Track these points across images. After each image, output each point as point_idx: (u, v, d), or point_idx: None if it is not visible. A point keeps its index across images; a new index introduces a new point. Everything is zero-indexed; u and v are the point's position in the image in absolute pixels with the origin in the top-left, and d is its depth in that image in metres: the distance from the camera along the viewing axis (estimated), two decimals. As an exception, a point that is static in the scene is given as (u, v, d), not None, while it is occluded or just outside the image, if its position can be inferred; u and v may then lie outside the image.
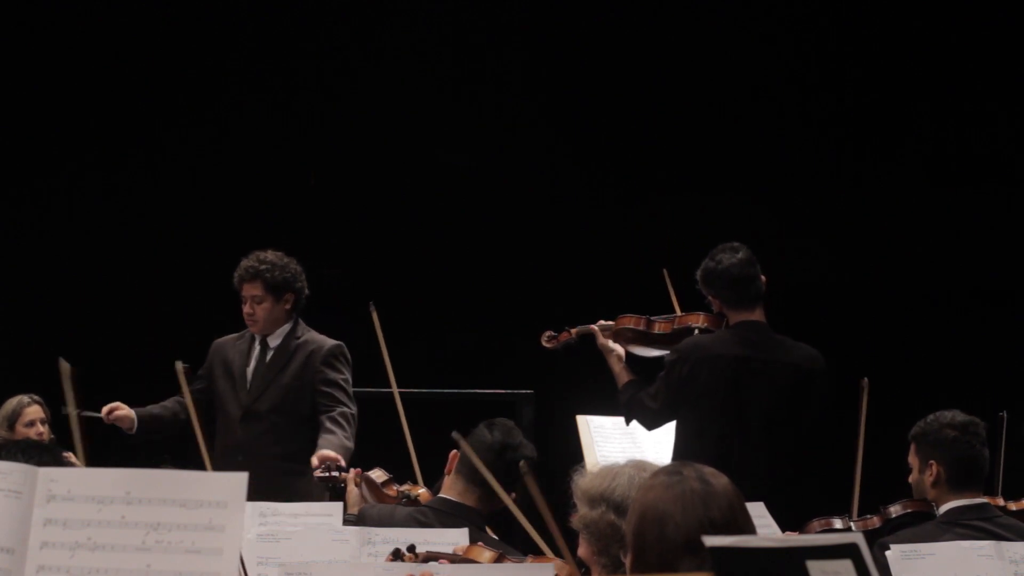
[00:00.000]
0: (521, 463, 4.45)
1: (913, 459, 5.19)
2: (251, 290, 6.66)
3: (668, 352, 6.39)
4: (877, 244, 8.60)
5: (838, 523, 5.41)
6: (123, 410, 6.68)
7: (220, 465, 6.53)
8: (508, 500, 4.56)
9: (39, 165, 8.91)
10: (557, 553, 3.87)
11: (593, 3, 8.91)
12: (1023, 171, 8.55)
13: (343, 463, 6.15)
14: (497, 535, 4.96)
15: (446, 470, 4.97)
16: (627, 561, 3.08)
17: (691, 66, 8.70)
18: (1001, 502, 5.42)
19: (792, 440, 6.14)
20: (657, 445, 6.44)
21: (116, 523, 2.97)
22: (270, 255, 6.69)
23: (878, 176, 8.68)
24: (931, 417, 5.17)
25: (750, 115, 8.71)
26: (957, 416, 5.14)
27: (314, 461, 6.14)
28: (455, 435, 4.66)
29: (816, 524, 5.39)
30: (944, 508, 5.08)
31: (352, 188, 8.85)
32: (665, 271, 6.67)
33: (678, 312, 6.59)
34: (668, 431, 6.49)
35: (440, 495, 4.93)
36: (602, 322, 6.57)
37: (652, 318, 6.52)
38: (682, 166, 8.65)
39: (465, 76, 8.97)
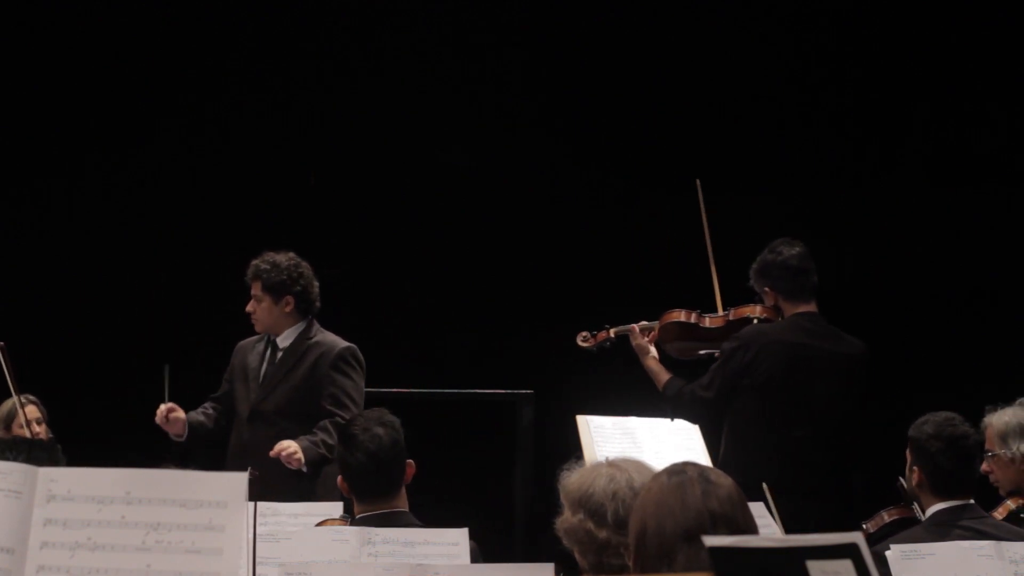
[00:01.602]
0: None
1: (908, 455, 5.23)
2: (254, 289, 6.72)
3: (713, 350, 6.42)
4: (877, 244, 8.60)
5: None
6: (181, 413, 6.67)
7: (230, 466, 6.56)
8: None
9: (38, 165, 8.90)
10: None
11: (593, 3, 8.91)
12: (1023, 171, 8.55)
13: (297, 456, 6.26)
14: (490, 536, 4.96)
15: (346, 494, 4.96)
16: (629, 560, 3.10)
17: (691, 66, 8.70)
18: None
19: (849, 429, 6.20)
20: (658, 445, 6.43)
21: (116, 523, 2.97)
22: (279, 257, 6.72)
23: (878, 176, 8.68)
24: (924, 420, 5.18)
25: (750, 115, 8.70)
26: (947, 427, 5.12)
27: (273, 450, 6.27)
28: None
29: None
30: (930, 511, 5.09)
31: (352, 188, 8.84)
32: (698, 181, 6.67)
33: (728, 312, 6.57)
34: (670, 431, 6.49)
35: (357, 516, 4.90)
36: (643, 323, 6.59)
37: (702, 313, 6.54)
38: (682, 166, 8.63)
39: (465, 76, 8.97)
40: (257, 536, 4.53)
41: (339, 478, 4.95)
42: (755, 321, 6.43)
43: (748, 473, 5.28)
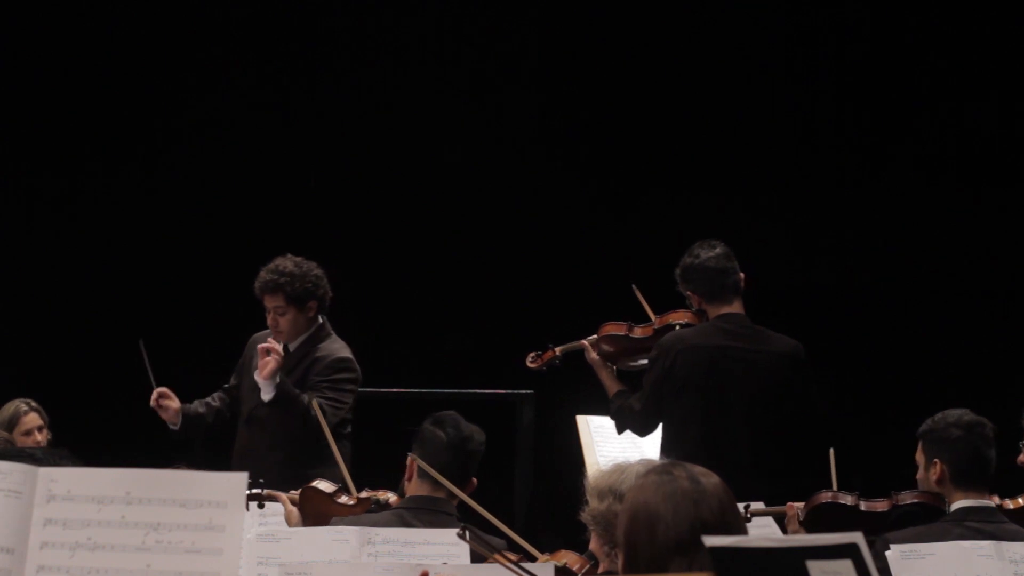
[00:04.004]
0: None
1: (919, 457, 5.17)
2: (272, 302, 6.56)
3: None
4: (877, 244, 8.60)
5: (847, 499, 5.36)
6: (174, 401, 6.62)
7: (235, 466, 6.52)
8: (470, 500, 4.75)
9: (39, 168, 8.90)
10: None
11: (594, 3, 8.92)
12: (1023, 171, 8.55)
13: (273, 367, 6.24)
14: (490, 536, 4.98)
15: (406, 477, 5.01)
16: (619, 562, 3.09)
17: (686, 71, 8.69)
18: (996, 500, 5.37)
19: (775, 429, 6.16)
20: (656, 445, 6.43)
21: (116, 523, 2.97)
22: (289, 264, 6.56)
23: (878, 176, 8.68)
24: (939, 415, 5.15)
25: (750, 115, 8.70)
26: (964, 416, 5.12)
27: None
28: (411, 455, 4.94)
29: (825, 495, 5.35)
30: (954, 506, 5.05)
31: (352, 188, 8.84)
32: (635, 287, 6.66)
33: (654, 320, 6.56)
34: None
35: (410, 495, 4.96)
36: (591, 337, 6.59)
37: (633, 324, 6.52)
38: (680, 170, 8.65)
39: (465, 77, 8.97)
40: (257, 536, 4.55)
41: (409, 457, 4.98)
42: (677, 327, 6.41)
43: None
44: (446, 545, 4.40)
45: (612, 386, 6.45)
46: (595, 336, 6.54)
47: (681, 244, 6.73)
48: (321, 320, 6.66)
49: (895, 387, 8.08)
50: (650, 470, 3.13)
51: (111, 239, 8.76)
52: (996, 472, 5.15)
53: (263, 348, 6.38)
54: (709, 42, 8.73)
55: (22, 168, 8.91)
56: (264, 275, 6.58)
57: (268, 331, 6.74)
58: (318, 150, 8.90)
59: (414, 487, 4.96)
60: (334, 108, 8.91)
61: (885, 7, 8.69)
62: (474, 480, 5.01)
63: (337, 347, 6.63)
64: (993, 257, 8.42)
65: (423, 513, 4.82)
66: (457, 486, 4.87)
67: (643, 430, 6.36)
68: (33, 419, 7.02)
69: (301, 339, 6.62)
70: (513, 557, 4.08)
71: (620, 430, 6.41)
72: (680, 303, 6.49)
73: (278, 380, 6.33)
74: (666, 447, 6.23)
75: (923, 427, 5.18)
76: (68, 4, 8.87)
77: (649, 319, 6.54)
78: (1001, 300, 8.40)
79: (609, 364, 6.51)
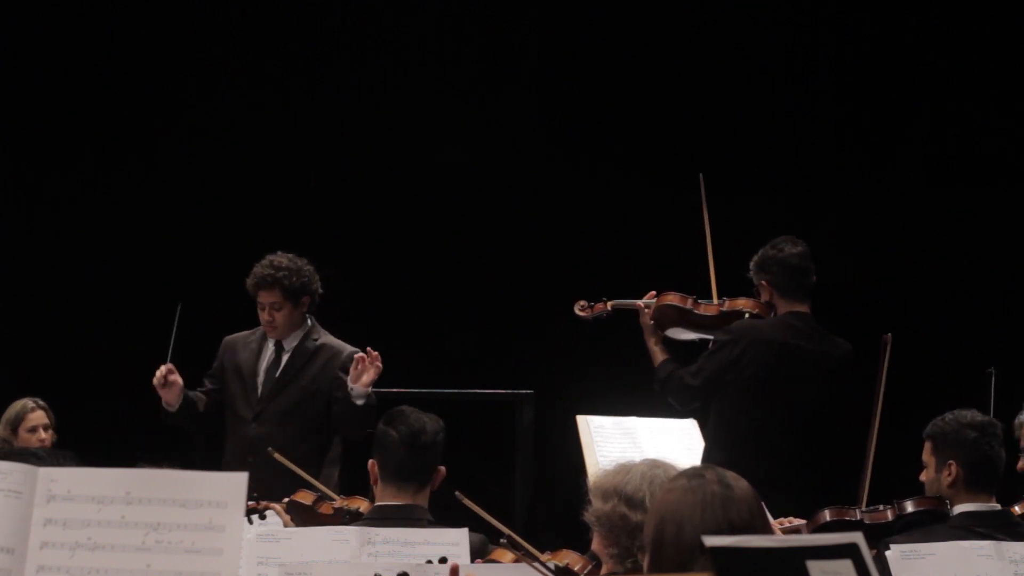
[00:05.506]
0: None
1: (929, 458, 5.13)
2: (268, 297, 6.58)
3: (705, 336, 6.45)
4: (876, 243, 8.60)
5: (850, 514, 5.36)
6: (179, 379, 6.60)
7: (230, 466, 6.51)
8: (465, 499, 4.72)
9: (41, 168, 8.90)
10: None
11: (594, 3, 8.92)
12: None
13: (378, 367, 6.41)
14: (490, 536, 4.98)
15: (372, 482, 4.99)
16: (644, 561, 3.10)
17: (693, 65, 8.70)
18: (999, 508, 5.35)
19: (827, 429, 6.21)
20: (658, 445, 6.44)
21: (116, 523, 2.97)
22: (283, 259, 6.59)
23: (878, 177, 8.68)
24: (949, 416, 5.12)
25: (750, 114, 8.70)
26: (976, 416, 5.11)
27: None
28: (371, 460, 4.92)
29: (828, 513, 5.35)
30: (958, 510, 5.03)
31: (352, 188, 8.84)
32: (701, 176, 6.68)
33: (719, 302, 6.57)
34: (668, 431, 6.50)
35: (377, 504, 4.94)
36: (647, 299, 6.60)
37: (698, 299, 6.55)
38: (683, 166, 8.63)
39: (465, 77, 8.97)
40: (257, 536, 4.55)
41: (370, 462, 4.95)
42: (747, 315, 6.44)
43: (729, 468, 5.28)
44: (446, 545, 4.40)
45: (659, 353, 6.51)
46: (652, 300, 6.56)
47: (682, 244, 6.73)
48: (311, 321, 6.69)
49: (894, 387, 8.08)
50: (680, 474, 3.15)
51: (111, 239, 8.76)
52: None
53: (362, 358, 6.44)
54: (709, 42, 8.74)
55: (22, 168, 8.92)
56: (259, 270, 6.60)
57: (243, 333, 6.76)
58: (318, 150, 8.90)
59: (379, 493, 4.93)
60: (334, 108, 8.91)
61: (885, 7, 8.69)
62: (442, 469, 4.95)
63: (339, 341, 6.71)
64: (992, 257, 8.42)
65: (388, 523, 4.76)
66: (421, 481, 4.86)
67: (689, 404, 6.41)
68: (39, 417, 7.03)
69: (298, 335, 6.64)
70: (513, 556, 4.08)
71: (663, 396, 6.45)
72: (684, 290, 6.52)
73: (370, 390, 6.46)
74: (712, 433, 6.28)
75: (933, 428, 5.14)
76: (68, 4, 8.87)
77: (700, 213, 6.56)
78: (1001, 300, 8.40)
79: (657, 331, 6.55)
